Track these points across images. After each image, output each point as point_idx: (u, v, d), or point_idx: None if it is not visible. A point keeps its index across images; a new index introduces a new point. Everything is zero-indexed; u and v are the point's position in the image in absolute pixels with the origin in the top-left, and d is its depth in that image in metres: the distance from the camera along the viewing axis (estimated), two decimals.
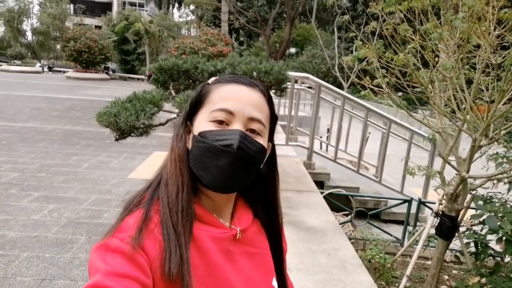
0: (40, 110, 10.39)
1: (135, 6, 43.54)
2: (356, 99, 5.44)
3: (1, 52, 34.52)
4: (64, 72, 28.00)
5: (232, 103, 0.64)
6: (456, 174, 2.50)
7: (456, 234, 2.65)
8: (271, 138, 0.73)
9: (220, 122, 0.64)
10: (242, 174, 0.65)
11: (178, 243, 0.59)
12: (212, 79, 0.70)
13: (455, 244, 2.88)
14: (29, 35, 37.70)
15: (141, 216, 0.61)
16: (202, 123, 0.65)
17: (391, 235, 4.17)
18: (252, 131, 0.65)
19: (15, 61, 30.08)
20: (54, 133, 7.57)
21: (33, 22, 37.78)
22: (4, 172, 4.78)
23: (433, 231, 2.76)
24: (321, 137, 7.29)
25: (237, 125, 0.64)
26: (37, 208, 3.78)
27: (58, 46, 34.35)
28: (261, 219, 0.78)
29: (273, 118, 0.71)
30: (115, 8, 44.88)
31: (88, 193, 4.32)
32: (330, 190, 4.46)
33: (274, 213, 0.78)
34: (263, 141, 0.67)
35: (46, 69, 30.89)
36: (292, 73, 4.85)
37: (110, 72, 28.85)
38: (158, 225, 0.61)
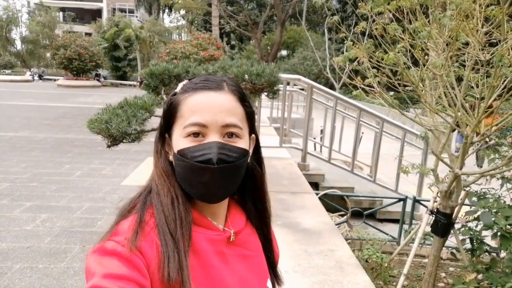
0: (31, 119, 10.28)
1: (125, 12, 43.32)
2: (348, 99, 5.47)
3: None
4: (54, 80, 27.72)
5: (202, 115, 0.63)
6: (449, 171, 2.52)
7: (452, 231, 2.66)
8: (252, 131, 0.72)
9: (196, 135, 0.63)
10: (229, 183, 0.66)
11: (177, 249, 0.59)
12: (180, 86, 0.69)
13: (451, 241, 2.89)
14: (18, 44, 37.31)
15: (136, 220, 0.61)
16: (179, 140, 0.64)
17: (387, 234, 4.17)
18: (230, 134, 0.64)
19: (4, 70, 29.74)
20: (46, 141, 7.48)
21: (22, 30, 37.41)
22: None
23: (428, 229, 2.77)
24: (314, 138, 7.31)
25: (212, 136, 0.63)
26: (30, 218, 3.72)
27: (48, 54, 34.02)
28: (253, 217, 0.78)
29: (250, 114, 0.70)
30: (105, 14, 44.69)
31: (81, 201, 4.27)
32: (325, 191, 4.46)
33: (262, 206, 0.78)
34: (243, 143, 0.66)
35: (36, 77, 30.57)
36: (283, 75, 4.87)
37: (102, 79, 28.61)
38: (154, 228, 0.61)
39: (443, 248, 2.72)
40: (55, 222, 3.67)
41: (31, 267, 2.84)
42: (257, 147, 0.75)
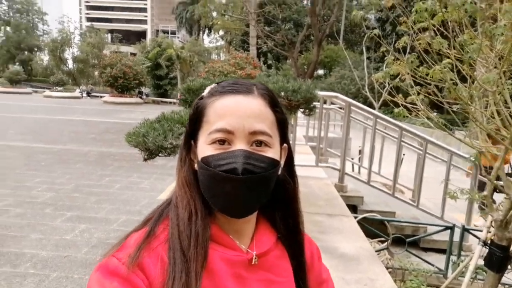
0: (78, 133, 10.89)
1: (168, 33, 45.74)
2: (388, 118, 5.25)
3: (45, 79, 37.16)
4: (101, 97, 29.48)
5: (229, 121, 0.58)
6: (505, 198, 2.28)
7: (509, 266, 2.39)
8: (284, 140, 0.65)
9: (222, 142, 0.58)
10: (255, 196, 0.59)
11: (186, 269, 0.54)
12: (207, 90, 0.64)
13: (508, 277, 2.60)
14: (70, 63, 40.35)
15: (144, 233, 0.58)
16: (203, 147, 0.60)
17: (432, 265, 3.85)
18: (259, 143, 0.58)
19: (57, 87, 32.06)
20: (90, 154, 7.86)
21: (74, 51, 40.52)
22: (41, 192, 4.96)
23: (481, 262, 2.51)
24: (352, 159, 7.07)
25: (239, 144, 0.57)
26: (69, 228, 3.85)
27: (96, 73, 36.46)
28: (283, 237, 0.69)
29: (282, 121, 0.63)
30: (149, 36, 47.43)
31: (118, 213, 4.37)
32: (364, 215, 4.23)
33: (294, 223, 0.69)
34: (272, 152, 0.60)
35: (85, 94, 32.71)
36: (321, 93, 4.78)
37: (144, 96, 30.00)
38: (164, 243, 0.57)
39: (499, 285, 2.44)
40: (92, 233, 3.77)
41: (67, 276, 2.90)
42: (290, 158, 0.68)
